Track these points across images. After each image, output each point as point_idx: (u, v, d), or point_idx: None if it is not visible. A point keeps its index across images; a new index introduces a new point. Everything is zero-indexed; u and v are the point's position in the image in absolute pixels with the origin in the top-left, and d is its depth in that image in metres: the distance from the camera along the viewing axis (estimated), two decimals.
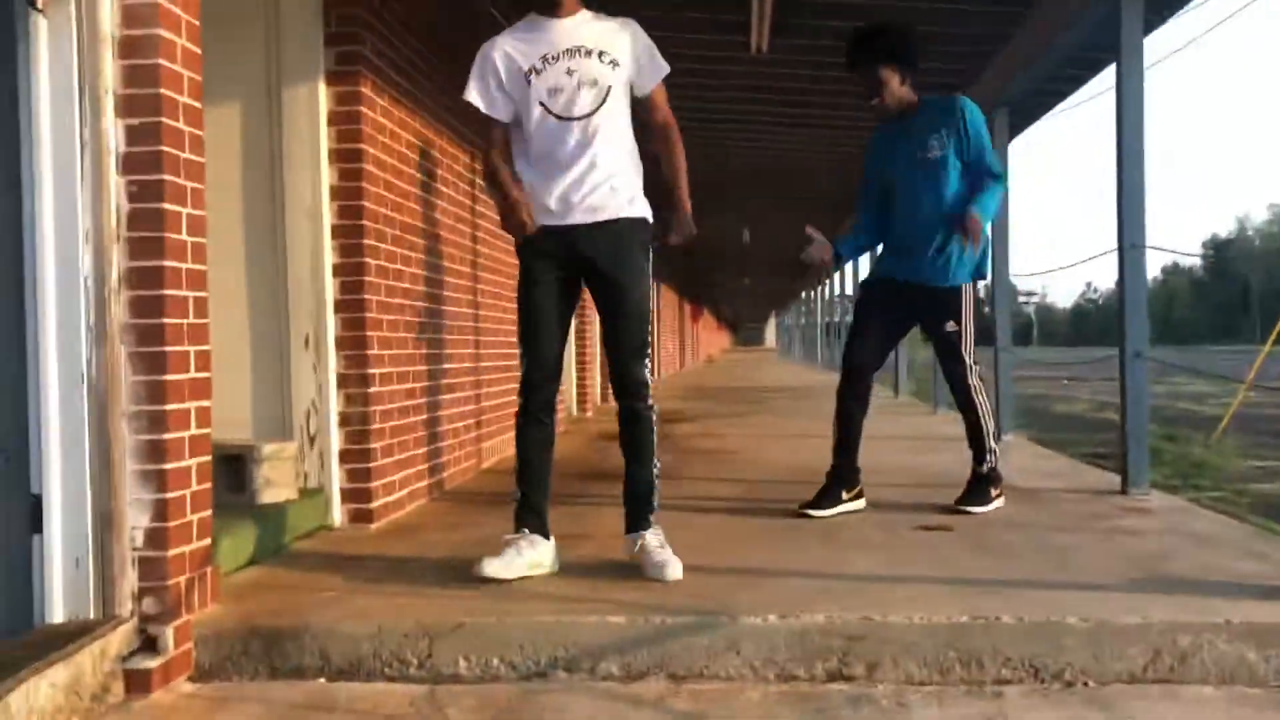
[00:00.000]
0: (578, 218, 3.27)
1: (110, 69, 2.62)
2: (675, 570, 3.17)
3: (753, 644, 2.69)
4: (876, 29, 4.32)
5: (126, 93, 2.64)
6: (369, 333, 4.10)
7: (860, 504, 4.34)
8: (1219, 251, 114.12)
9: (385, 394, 4.26)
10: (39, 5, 2.58)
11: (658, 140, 3.42)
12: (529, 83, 3.24)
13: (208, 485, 2.87)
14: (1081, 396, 18.93)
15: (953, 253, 4.27)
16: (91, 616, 2.62)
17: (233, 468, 3.74)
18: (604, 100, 3.24)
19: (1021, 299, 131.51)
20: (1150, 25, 5.11)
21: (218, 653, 2.75)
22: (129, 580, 2.64)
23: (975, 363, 4.37)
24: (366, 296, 4.09)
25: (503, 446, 6.11)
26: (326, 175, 4.06)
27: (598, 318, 3.54)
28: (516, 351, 3.44)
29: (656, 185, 3.41)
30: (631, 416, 3.39)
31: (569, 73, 3.22)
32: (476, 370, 5.68)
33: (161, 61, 2.65)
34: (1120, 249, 4.78)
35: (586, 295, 3.47)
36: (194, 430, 2.79)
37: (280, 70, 4.06)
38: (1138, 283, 4.79)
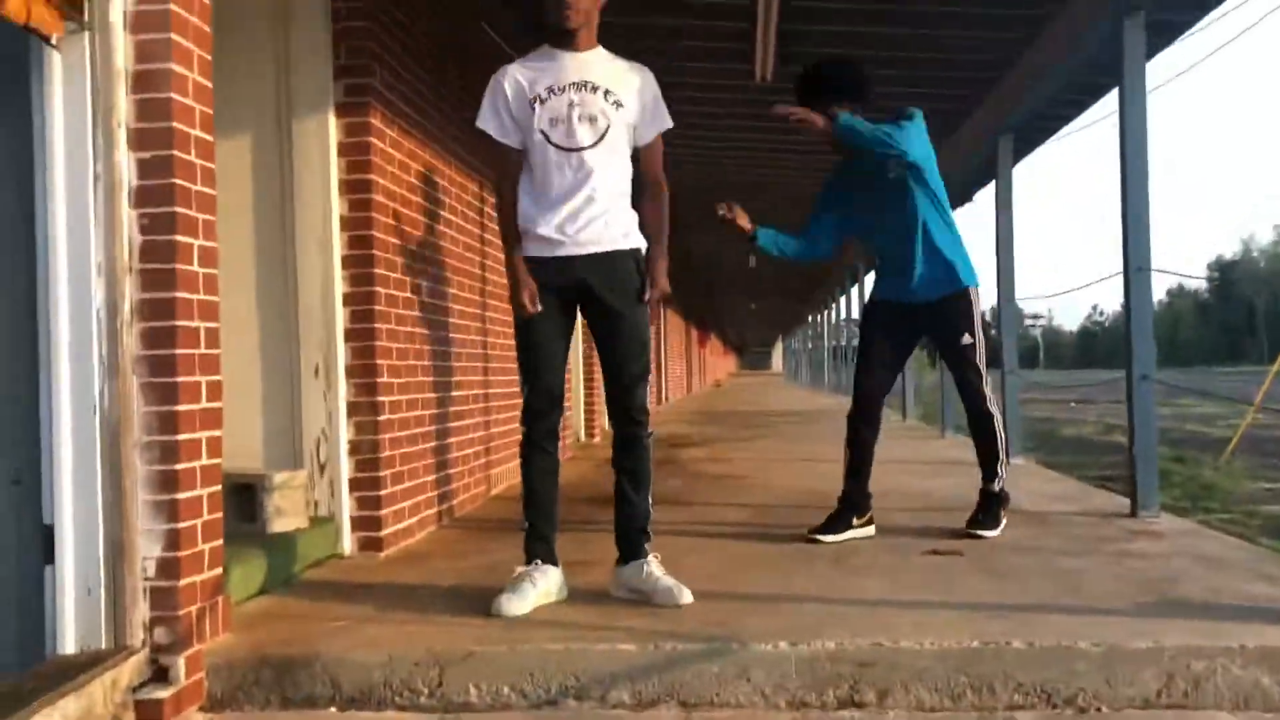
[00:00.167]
0: (573, 249, 3.28)
1: (123, 103, 2.65)
2: (687, 594, 3.18)
3: (764, 671, 2.68)
4: (823, 65, 4.33)
5: (139, 126, 2.67)
6: (379, 361, 4.13)
7: (870, 530, 4.32)
8: (1224, 273, 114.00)
9: (395, 422, 4.27)
10: (53, 41, 2.62)
11: (644, 196, 3.41)
12: (533, 110, 3.27)
13: (219, 515, 2.88)
14: (1089, 419, 18.89)
15: (955, 262, 4.28)
16: (103, 647, 2.62)
17: (244, 497, 3.75)
18: (602, 136, 3.26)
19: (1028, 322, 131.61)
20: (1153, 49, 5.12)
21: (229, 682, 2.75)
22: (140, 610, 2.65)
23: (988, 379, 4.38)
24: (376, 325, 4.12)
25: (512, 473, 6.10)
26: (337, 205, 4.09)
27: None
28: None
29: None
30: (631, 444, 3.39)
31: (571, 105, 3.25)
32: (485, 397, 5.70)
33: (174, 95, 2.68)
34: (1125, 272, 4.79)
35: None
36: (205, 460, 2.80)
37: (290, 102, 4.10)
38: (1144, 305, 4.79)
